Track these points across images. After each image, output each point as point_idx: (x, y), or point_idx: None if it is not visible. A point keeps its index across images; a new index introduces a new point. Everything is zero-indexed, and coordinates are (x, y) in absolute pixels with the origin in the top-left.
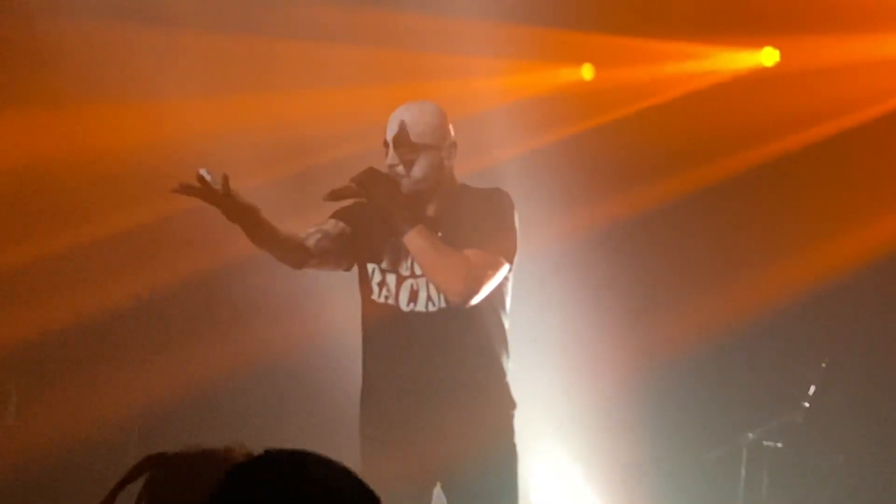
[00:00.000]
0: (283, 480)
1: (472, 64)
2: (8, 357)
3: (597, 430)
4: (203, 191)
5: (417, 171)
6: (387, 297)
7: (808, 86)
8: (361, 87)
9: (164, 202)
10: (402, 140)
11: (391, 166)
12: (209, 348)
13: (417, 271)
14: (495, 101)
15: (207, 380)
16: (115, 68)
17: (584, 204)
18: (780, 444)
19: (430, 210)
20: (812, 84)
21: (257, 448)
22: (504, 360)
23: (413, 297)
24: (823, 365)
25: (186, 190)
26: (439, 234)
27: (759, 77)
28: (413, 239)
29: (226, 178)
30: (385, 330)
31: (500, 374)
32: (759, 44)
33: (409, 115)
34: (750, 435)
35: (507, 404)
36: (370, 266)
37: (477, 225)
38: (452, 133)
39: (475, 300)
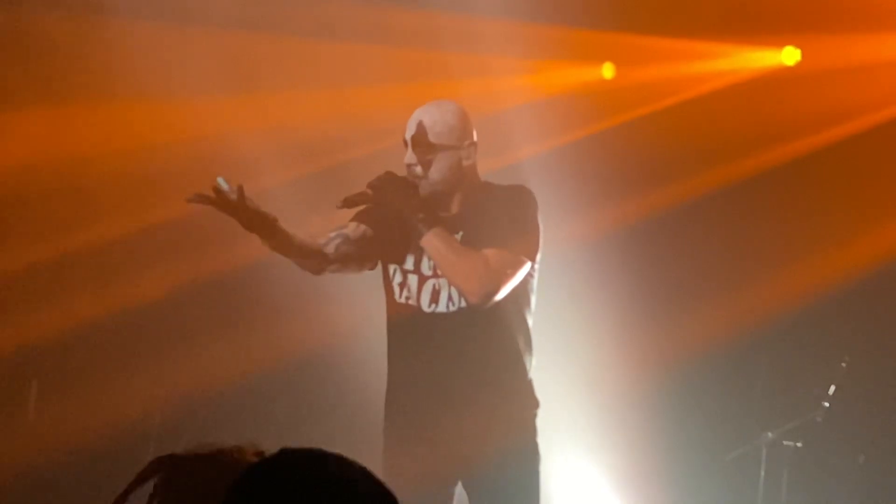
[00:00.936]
0: (300, 479)
1: (492, 63)
2: (29, 355)
3: (617, 430)
4: (219, 201)
5: (435, 172)
6: (408, 298)
7: (829, 85)
8: (384, 87)
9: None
10: (419, 140)
11: (409, 165)
12: (229, 348)
13: (440, 272)
14: (516, 100)
15: (227, 380)
16: (128, 66)
17: (605, 203)
18: (799, 444)
19: (453, 207)
20: (834, 83)
21: (274, 448)
22: (527, 358)
23: (434, 297)
24: (844, 364)
25: (202, 199)
26: (461, 233)
27: (781, 76)
28: (430, 241)
29: (241, 188)
30: (407, 331)
31: (523, 373)
32: (780, 43)
33: (428, 115)
34: (769, 434)
35: (531, 404)
36: (391, 267)
37: (500, 222)
38: (475, 134)
39: (495, 300)
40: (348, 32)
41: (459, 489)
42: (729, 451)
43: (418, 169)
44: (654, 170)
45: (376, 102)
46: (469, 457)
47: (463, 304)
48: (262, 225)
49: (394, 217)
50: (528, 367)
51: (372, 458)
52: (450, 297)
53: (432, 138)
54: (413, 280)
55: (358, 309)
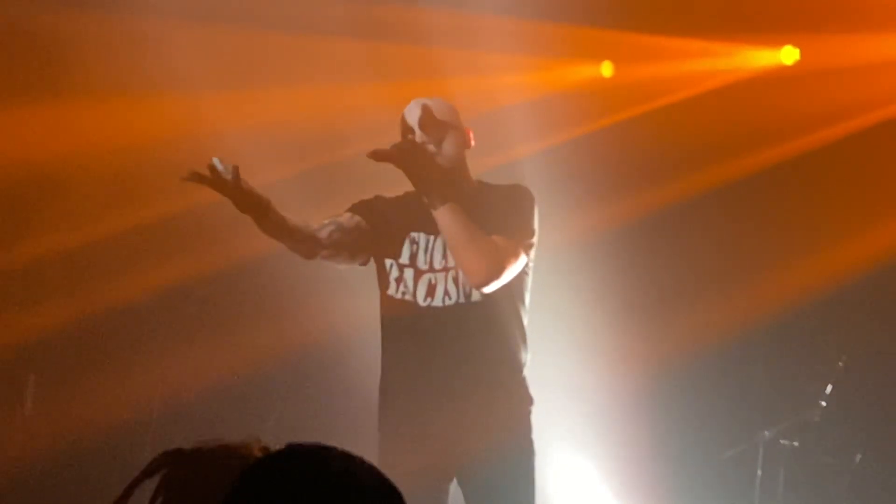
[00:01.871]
0: (306, 474)
1: (491, 60)
2: (27, 350)
3: (613, 427)
4: (213, 180)
5: (448, 147)
6: (404, 293)
7: (828, 85)
8: (380, 84)
9: (180, 197)
10: (428, 120)
11: (422, 144)
12: (225, 345)
13: (436, 265)
14: (514, 98)
15: (224, 376)
16: (128, 63)
17: (602, 201)
18: (796, 443)
19: None
20: (832, 83)
21: (274, 444)
22: (522, 355)
23: (431, 291)
24: (840, 364)
25: (197, 178)
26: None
27: (779, 76)
28: (444, 214)
29: (236, 168)
30: (402, 326)
31: (518, 369)
32: (779, 42)
33: (427, 101)
34: (766, 433)
35: (525, 400)
36: (388, 261)
37: (496, 218)
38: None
39: (496, 285)
40: (345, 29)
41: (454, 485)
42: (726, 449)
43: (431, 147)
44: (652, 168)
45: (373, 99)
46: (464, 453)
47: (460, 298)
48: (255, 206)
49: (394, 209)
50: (523, 363)
51: (367, 453)
52: (446, 292)
53: (440, 116)
54: (409, 274)
55: (354, 305)
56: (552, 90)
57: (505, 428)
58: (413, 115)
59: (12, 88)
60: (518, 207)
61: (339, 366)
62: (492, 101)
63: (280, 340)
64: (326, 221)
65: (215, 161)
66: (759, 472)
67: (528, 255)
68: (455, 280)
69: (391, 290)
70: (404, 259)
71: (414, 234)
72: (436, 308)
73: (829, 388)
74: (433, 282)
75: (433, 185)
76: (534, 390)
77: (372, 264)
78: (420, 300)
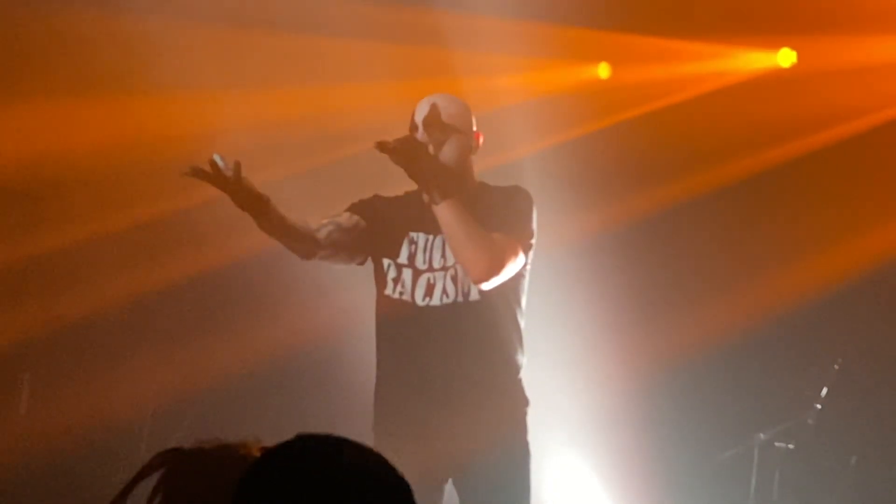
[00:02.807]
0: (317, 464)
1: (489, 61)
2: (23, 348)
3: (609, 429)
4: (213, 176)
5: (448, 151)
6: (401, 293)
7: (825, 87)
8: (381, 84)
9: (179, 195)
10: (433, 121)
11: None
12: (222, 343)
13: (435, 264)
14: (512, 99)
15: (219, 375)
16: (130, 62)
17: (599, 202)
18: (791, 446)
19: None
20: (829, 85)
21: (272, 444)
22: (519, 357)
23: (429, 291)
24: (836, 366)
25: (197, 174)
26: None
27: (776, 78)
28: (445, 210)
29: (237, 165)
30: (399, 326)
31: (515, 371)
32: (776, 45)
33: (439, 99)
34: (761, 436)
35: (521, 402)
36: (385, 261)
37: (496, 217)
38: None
39: (496, 281)
40: (348, 29)
41: (449, 486)
42: (721, 451)
43: (430, 149)
44: (649, 170)
45: (374, 99)
46: (459, 453)
47: (458, 297)
48: (254, 203)
49: (392, 209)
50: (520, 365)
51: None
52: (444, 290)
53: (446, 119)
54: (407, 274)
55: (351, 305)
56: (549, 91)
57: (501, 429)
58: (421, 112)
59: (13, 88)
60: (517, 208)
61: (335, 366)
62: (490, 101)
63: (276, 340)
64: (325, 221)
65: (216, 157)
66: (755, 475)
67: (526, 255)
68: (454, 279)
69: (388, 290)
70: (403, 259)
71: (413, 234)
72: (433, 307)
73: (824, 391)
74: (432, 281)
75: (433, 181)
76: (529, 392)
77: (369, 264)
78: (418, 300)
